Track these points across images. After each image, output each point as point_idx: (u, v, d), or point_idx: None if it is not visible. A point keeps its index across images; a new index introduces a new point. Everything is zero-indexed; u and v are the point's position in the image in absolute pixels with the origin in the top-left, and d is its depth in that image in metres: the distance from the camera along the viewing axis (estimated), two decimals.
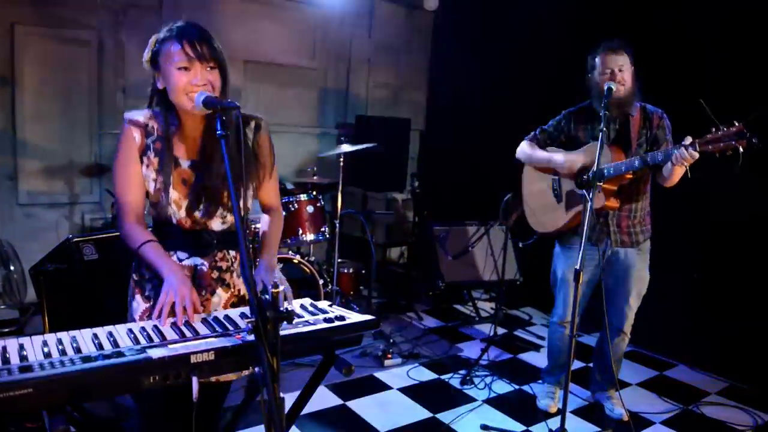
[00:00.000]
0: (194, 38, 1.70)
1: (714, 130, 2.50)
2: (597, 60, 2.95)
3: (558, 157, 3.10)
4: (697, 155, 2.56)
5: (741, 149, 2.43)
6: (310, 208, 4.21)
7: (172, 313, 1.63)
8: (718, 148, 2.49)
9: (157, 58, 1.74)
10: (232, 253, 1.92)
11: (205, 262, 1.87)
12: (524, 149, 3.28)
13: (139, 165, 1.80)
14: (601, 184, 2.88)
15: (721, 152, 2.49)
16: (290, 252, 4.21)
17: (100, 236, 3.03)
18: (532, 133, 3.29)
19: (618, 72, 2.87)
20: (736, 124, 2.45)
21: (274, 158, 1.98)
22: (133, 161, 1.79)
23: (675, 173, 2.78)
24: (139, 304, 1.87)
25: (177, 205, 1.81)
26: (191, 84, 1.69)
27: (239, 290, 1.95)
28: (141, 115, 1.81)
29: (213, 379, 1.83)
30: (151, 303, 1.85)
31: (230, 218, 1.88)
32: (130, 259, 1.90)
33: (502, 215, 4.02)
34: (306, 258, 4.18)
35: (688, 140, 2.59)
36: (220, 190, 1.82)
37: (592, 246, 3.07)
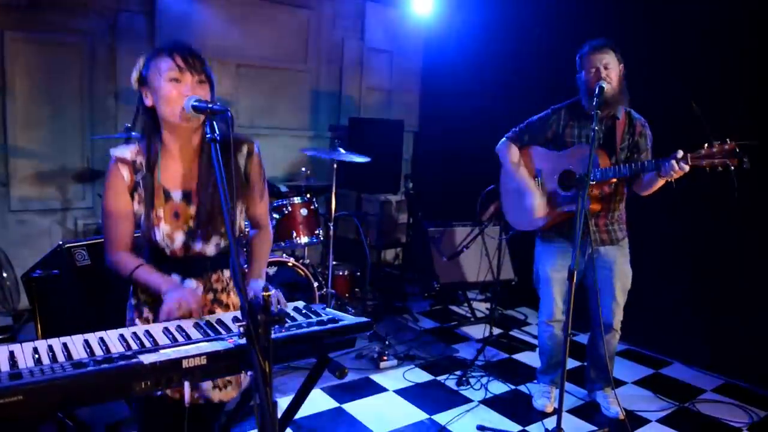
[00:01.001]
0: (185, 51, 1.71)
1: (707, 146, 2.55)
2: (584, 59, 2.99)
3: (528, 197, 3.15)
4: (687, 168, 2.60)
5: (732, 168, 2.48)
6: (303, 211, 4.20)
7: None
8: (710, 164, 2.54)
9: (146, 76, 1.74)
10: (227, 273, 1.92)
11: (200, 285, 1.86)
12: (503, 151, 3.28)
13: (129, 202, 1.79)
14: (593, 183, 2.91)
15: (712, 168, 2.54)
16: (284, 255, 4.20)
17: (93, 242, 3.01)
18: (514, 131, 3.27)
19: (603, 69, 2.90)
20: (729, 142, 2.50)
21: (265, 182, 2.00)
22: (122, 199, 1.78)
23: (656, 184, 2.85)
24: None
25: (170, 239, 1.80)
26: (182, 95, 1.69)
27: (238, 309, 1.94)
28: (128, 152, 1.80)
29: (216, 400, 1.82)
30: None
31: (224, 243, 1.87)
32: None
33: (478, 209, 4.04)
34: (300, 261, 4.17)
35: (680, 154, 2.61)
36: (216, 217, 1.81)
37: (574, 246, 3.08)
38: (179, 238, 1.81)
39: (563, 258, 3.14)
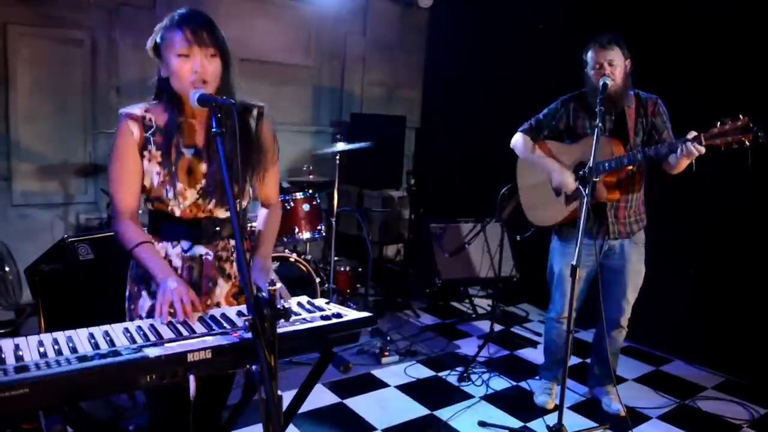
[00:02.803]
0: (195, 24, 1.70)
1: (719, 124, 2.51)
2: (588, 55, 2.97)
3: (555, 175, 3.10)
4: (703, 150, 2.56)
5: (747, 143, 2.44)
6: (306, 207, 4.20)
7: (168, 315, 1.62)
8: (725, 142, 2.50)
9: (160, 46, 1.74)
10: (233, 242, 1.91)
11: (210, 251, 1.86)
12: (519, 144, 3.24)
13: (138, 160, 1.77)
14: (598, 179, 2.90)
15: (726, 146, 2.50)
16: (286, 250, 4.20)
17: (96, 236, 3.02)
18: (527, 125, 3.24)
19: (608, 66, 2.88)
20: (741, 117, 2.45)
21: (277, 146, 1.99)
22: (131, 156, 1.76)
23: (681, 163, 2.78)
24: (145, 301, 1.84)
25: (182, 196, 1.79)
26: (191, 70, 1.68)
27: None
28: (137, 109, 1.79)
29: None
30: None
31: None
32: (127, 258, 1.89)
33: (497, 208, 4.02)
34: (302, 256, 4.17)
35: (693, 134, 2.59)
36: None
37: (591, 239, 3.07)
38: (191, 196, 1.80)
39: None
